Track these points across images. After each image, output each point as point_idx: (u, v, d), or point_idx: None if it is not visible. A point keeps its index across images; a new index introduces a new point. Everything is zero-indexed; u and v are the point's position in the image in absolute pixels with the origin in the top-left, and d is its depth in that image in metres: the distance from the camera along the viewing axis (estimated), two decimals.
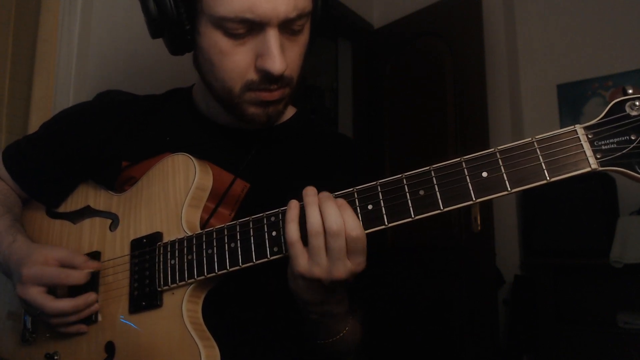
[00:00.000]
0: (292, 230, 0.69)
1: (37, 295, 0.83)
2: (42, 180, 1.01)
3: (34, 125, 1.47)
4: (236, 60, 0.79)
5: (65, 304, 0.84)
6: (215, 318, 0.80)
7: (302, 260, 0.69)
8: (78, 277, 0.85)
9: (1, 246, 0.91)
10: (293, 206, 0.71)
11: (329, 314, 0.79)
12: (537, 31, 3.25)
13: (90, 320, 0.87)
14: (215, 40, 0.79)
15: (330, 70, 3.81)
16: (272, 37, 0.76)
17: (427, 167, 0.66)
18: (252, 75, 0.80)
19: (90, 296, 0.86)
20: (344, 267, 0.68)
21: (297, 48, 0.82)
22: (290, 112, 1.01)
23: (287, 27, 0.78)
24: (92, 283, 0.89)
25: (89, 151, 0.97)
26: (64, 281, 0.84)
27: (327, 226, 0.67)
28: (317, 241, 0.68)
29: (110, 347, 0.84)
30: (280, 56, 0.77)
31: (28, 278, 0.83)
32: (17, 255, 0.87)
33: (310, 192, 0.71)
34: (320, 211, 0.68)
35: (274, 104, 0.84)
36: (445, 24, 2.89)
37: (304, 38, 0.83)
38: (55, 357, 0.88)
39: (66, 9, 1.61)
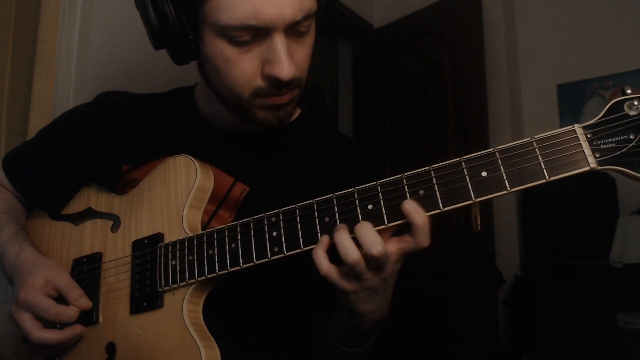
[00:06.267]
0: (323, 262, 0.67)
1: (26, 321, 0.82)
2: (43, 187, 1.00)
3: (34, 125, 1.47)
4: (243, 68, 0.78)
5: (52, 336, 0.82)
6: (216, 319, 0.80)
7: (346, 282, 0.68)
8: (69, 315, 0.83)
9: (7, 255, 0.90)
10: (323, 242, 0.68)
11: (380, 320, 0.76)
12: (537, 31, 3.25)
13: (91, 321, 0.87)
14: (220, 50, 0.77)
15: (330, 70, 3.81)
16: (279, 42, 0.74)
17: (427, 167, 0.66)
18: (260, 82, 0.79)
19: (77, 329, 0.84)
20: (392, 267, 0.69)
21: (304, 50, 0.81)
22: (294, 113, 1.00)
23: (293, 30, 0.76)
24: (93, 284, 0.89)
25: (89, 155, 0.97)
26: (55, 318, 0.82)
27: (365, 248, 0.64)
28: (358, 267, 0.66)
29: (111, 348, 0.84)
30: (289, 61, 0.75)
31: (23, 302, 0.82)
32: (23, 268, 0.87)
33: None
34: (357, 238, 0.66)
35: (284, 106, 0.83)
36: (445, 24, 2.89)
37: (310, 38, 0.82)
38: (56, 358, 0.88)
39: (66, 9, 1.61)
